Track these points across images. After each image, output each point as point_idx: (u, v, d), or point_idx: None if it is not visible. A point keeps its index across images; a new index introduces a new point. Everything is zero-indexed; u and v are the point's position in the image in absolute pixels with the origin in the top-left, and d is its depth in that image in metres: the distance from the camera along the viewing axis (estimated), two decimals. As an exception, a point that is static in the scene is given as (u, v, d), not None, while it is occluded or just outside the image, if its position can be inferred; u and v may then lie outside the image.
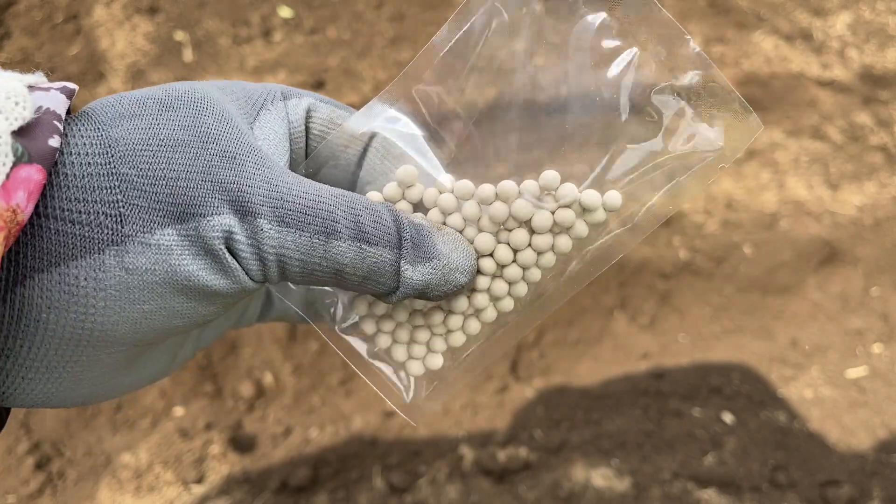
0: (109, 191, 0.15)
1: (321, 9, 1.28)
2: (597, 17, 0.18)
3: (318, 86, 1.12)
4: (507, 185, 0.19)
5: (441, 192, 0.20)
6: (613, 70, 0.18)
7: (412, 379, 0.21)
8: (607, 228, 0.19)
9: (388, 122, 0.20)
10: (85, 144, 0.16)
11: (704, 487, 0.76)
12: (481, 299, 0.20)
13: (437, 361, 0.21)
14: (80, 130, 0.16)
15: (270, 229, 0.16)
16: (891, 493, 0.77)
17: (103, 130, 0.16)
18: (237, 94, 0.19)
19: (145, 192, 0.16)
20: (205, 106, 0.17)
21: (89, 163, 0.16)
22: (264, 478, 0.69)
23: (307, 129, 0.20)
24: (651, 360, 0.89)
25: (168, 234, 0.16)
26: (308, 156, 0.20)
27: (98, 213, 0.15)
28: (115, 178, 0.16)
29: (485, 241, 0.19)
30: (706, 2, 1.41)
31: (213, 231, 0.16)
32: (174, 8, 1.23)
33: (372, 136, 0.20)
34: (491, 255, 0.20)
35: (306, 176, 0.20)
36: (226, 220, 0.16)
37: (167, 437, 0.72)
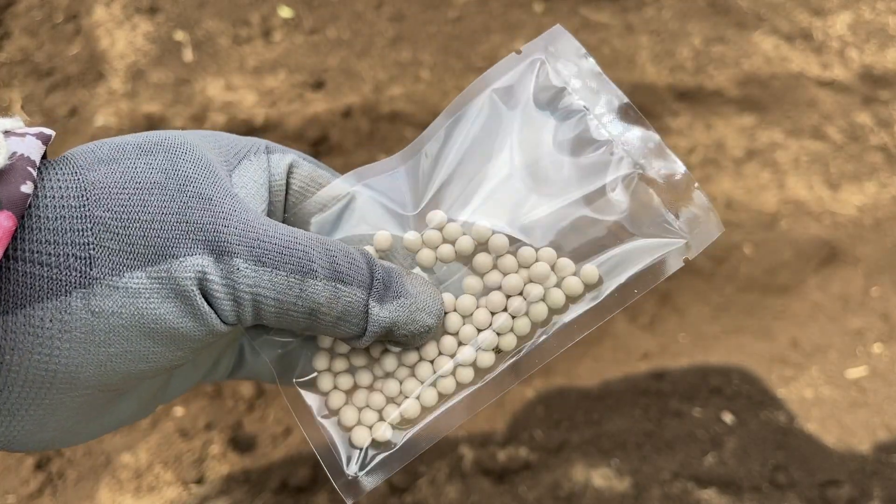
0: (81, 233, 0.16)
1: (321, 9, 1.28)
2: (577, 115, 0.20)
3: (318, 86, 1.12)
4: (498, 238, 0.20)
5: (416, 248, 0.21)
6: (592, 161, 0.20)
7: (359, 451, 0.21)
8: (578, 303, 0.20)
9: (367, 188, 0.21)
10: (60, 188, 0.16)
11: (704, 487, 0.76)
12: (445, 362, 0.20)
13: (385, 432, 0.20)
14: (56, 174, 0.16)
15: (247, 268, 0.16)
16: (891, 493, 0.77)
17: (80, 174, 0.16)
18: (220, 144, 0.19)
19: (117, 234, 0.16)
20: (183, 151, 0.18)
21: (63, 206, 0.16)
22: (264, 478, 0.69)
23: (288, 184, 0.21)
24: (651, 361, 0.89)
25: (137, 277, 0.16)
26: (286, 209, 0.21)
27: (68, 255, 0.15)
28: (88, 220, 0.16)
29: (467, 301, 0.20)
30: (706, 2, 1.41)
31: (185, 272, 0.16)
32: (174, 8, 1.23)
33: (351, 199, 0.21)
34: (465, 315, 0.20)
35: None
36: (199, 260, 0.16)
37: (167, 437, 0.73)
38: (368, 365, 0.21)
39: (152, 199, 0.16)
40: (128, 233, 0.16)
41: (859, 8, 1.38)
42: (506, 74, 0.21)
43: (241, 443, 0.74)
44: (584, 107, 0.20)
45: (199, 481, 0.70)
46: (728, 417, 0.81)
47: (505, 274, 0.20)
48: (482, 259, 0.20)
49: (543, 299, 0.20)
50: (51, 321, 0.15)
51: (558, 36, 0.21)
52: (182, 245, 0.16)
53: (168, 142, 0.18)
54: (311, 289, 0.17)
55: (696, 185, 0.19)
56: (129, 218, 0.16)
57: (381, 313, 0.18)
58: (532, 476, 0.74)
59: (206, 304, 0.17)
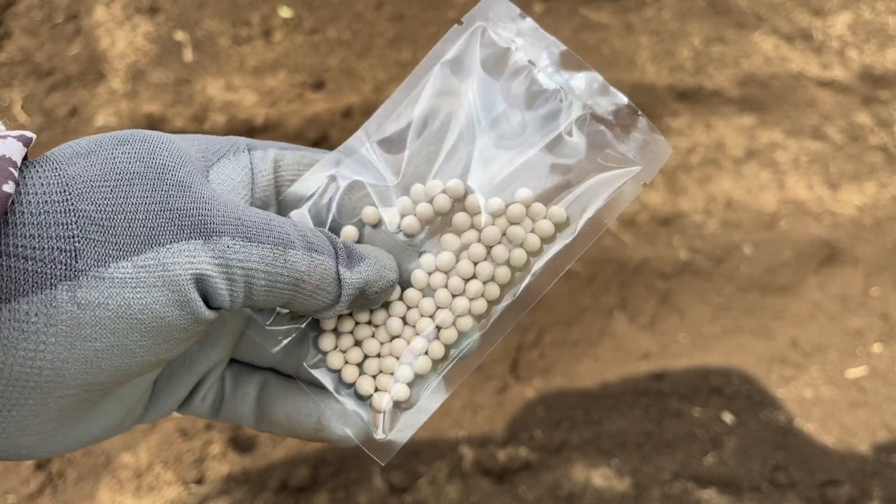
0: (66, 227, 0.16)
1: (321, 9, 1.28)
2: (525, 67, 0.22)
3: (318, 86, 1.12)
4: (473, 197, 0.21)
5: (402, 215, 0.22)
6: (544, 108, 0.22)
7: (381, 414, 0.22)
8: (553, 242, 0.21)
9: (348, 168, 0.23)
10: (42, 184, 0.16)
11: (704, 487, 0.76)
12: (444, 315, 0.21)
13: (403, 392, 0.21)
14: (37, 172, 0.16)
15: (235, 245, 0.17)
16: (891, 493, 0.77)
17: (60, 169, 0.16)
18: (199, 142, 0.20)
19: (102, 226, 0.16)
20: (160, 142, 0.18)
21: (45, 201, 0.16)
22: (264, 478, 0.70)
23: (278, 179, 0.21)
24: (651, 361, 0.89)
25: (123, 267, 0.16)
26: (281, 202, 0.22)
27: (52, 248, 0.15)
28: (71, 213, 0.16)
29: (446, 257, 0.22)
30: (706, 2, 1.41)
31: (173, 258, 0.16)
32: (174, 8, 1.23)
33: (332, 182, 0.22)
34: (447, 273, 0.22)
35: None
36: (187, 245, 0.17)
37: (167, 437, 0.73)
38: (373, 335, 0.22)
39: (133, 188, 0.17)
40: (112, 224, 0.16)
41: (859, 8, 1.38)
42: (453, 46, 0.22)
43: (241, 443, 0.74)
44: (530, 62, 0.22)
45: (200, 481, 0.70)
46: (728, 417, 0.81)
47: (480, 230, 0.21)
48: (460, 218, 0.21)
49: (521, 245, 0.21)
50: (36, 315, 0.15)
51: (495, 2, 0.22)
52: (167, 232, 0.16)
53: (144, 133, 0.18)
54: (292, 258, 0.18)
55: (640, 113, 0.21)
56: (112, 209, 0.16)
57: (353, 276, 0.20)
58: (532, 476, 0.74)
59: (193, 290, 0.17)
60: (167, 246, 0.16)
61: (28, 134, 0.17)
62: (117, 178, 0.17)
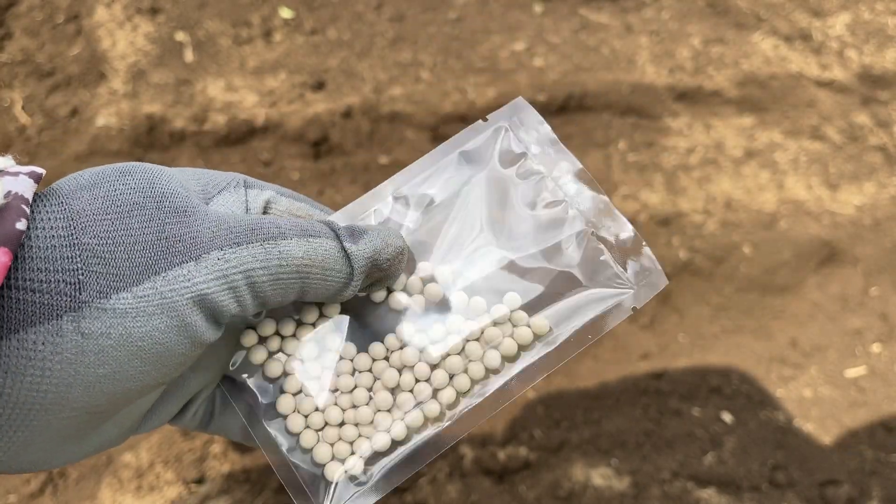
0: (70, 260, 0.16)
1: (321, 9, 1.29)
2: (536, 177, 0.23)
3: (318, 86, 1.12)
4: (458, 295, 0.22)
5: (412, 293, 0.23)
6: (552, 222, 0.23)
7: (331, 485, 0.21)
8: (531, 350, 0.22)
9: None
10: (49, 219, 0.17)
11: (704, 487, 0.76)
12: (405, 397, 0.22)
13: (357, 466, 0.21)
14: (45, 207, 0.17)
15: (226, 254, 0.18)
16: (890, 493, 0.77)
17: (66, 203, 0.17)
18: (198, 176, 0.21)
19: (103, 258, 0.17)
20: (160, 172, 0.19)
21: (52, 236, 0.17)
22: (265, 477, 0.70)
23: (266, 208, 0.22)
24: (651, 360, 0.90)
25: (123, 298, 0.17)
26: None
27: (59, 281, 0.16)
28: (76, 248, 0.17)
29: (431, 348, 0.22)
30: (705, 2, 1.41)
31: (169, 284, 0.17)
32: (175, 8, 1.23)
33: None
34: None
35: None
36: (182, 271, 0.17)
37: (168, 436, 0.73)
38: (337, 402, 0.22)
39: (132, 220, 0.17)
40: (113, 256, 0.17)
41: (858, 8, 1.38)
42: (473, 139, 0.23)
43: (241, 442, 0.74)
44: (543, 170, 0.23)
45: (200, 481, 0.70)
46: (727, 417, 0.81)
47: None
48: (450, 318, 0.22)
49: (497, 347, 0.22)
50: (43, 344, 0.16)
51: (521, 107, 0.23)
52: (163, 260, 0.17)
53: (145, 166, 0.19)
54: (286, 248, 0.18)
55: (644, 243, 0.22)
56: (113, 242, 0.17)
57: (361, 248, 0.20)
58: (532, 475, 0.74)
59: (195, 314, 0.18)
60: (163, 274, 0.17)
61: (38, 170, 0.17)
62: (118, 211, 0.17)
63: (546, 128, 0.23)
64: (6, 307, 0.16)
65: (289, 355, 0.22)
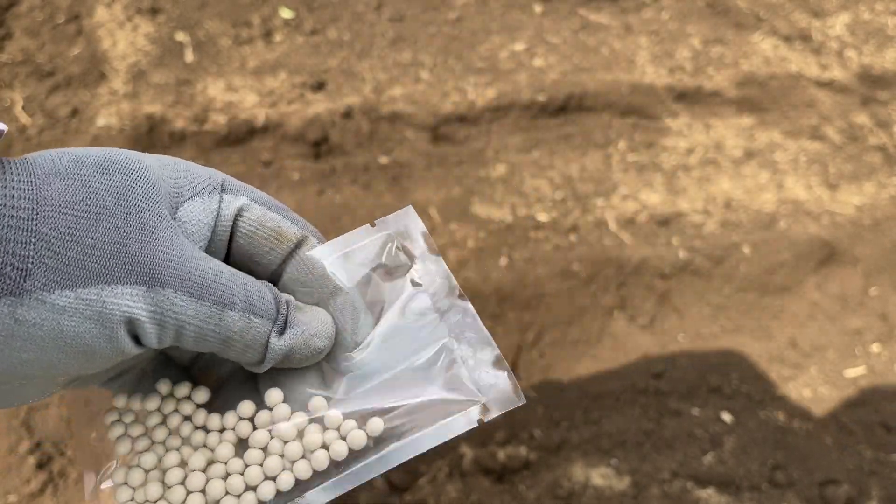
0: (23, 245, 0.16)
1: (322, 10, 1.29)
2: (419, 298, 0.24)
3: (318, 86, 1.12)
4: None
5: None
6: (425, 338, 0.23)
7: None
8: (366, 453, 0.21)
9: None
10: (13, 197, 0.16)
11: (703, 487, 0.76)
12: (234, 481, 0.21)
13: None
14: (12, 180, 0.17)
15: (176, 298, 0.18)
16: (889, 493, 0.77)
17: (35, 186, 0.17)
18: (178, 174, 0.20)
19: (57, 253, 0.17)
20: (139, 175, 0.19)
21: (12, 216, 0.16)
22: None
23: (235, 228, 0.22)
24: (650, 360, 0.90)
25: (66, 296, 0.17)
26: (231, 248, 0.22)
27: (6, 263, 0.16)
28: (32, 234, 0.16)
29: (253, 454, 0.21)
30: (705, 2, 1.41)
31: (114, 298, 0.17)
32: (175, 9, 1.23)
33: (300, 243, 0.23)
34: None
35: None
36: (129, 290, 0.18)
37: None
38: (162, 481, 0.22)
39: (98, 224, 0.17)
40: (68, 254, 0.17)
41: (858, 9, 1.38)
42: (358, 243, 0.23)
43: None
44: (419, 282, 0.23)
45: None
46: (727, 417, 0.81)
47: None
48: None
49: (326, 448, 0.21)
50: None
51: (407, 216, 0.24)
52: (116, 274, 0.17)
53: (128, 162, 0.19)
54: (228, 319, 0.19)
55: (505, 364, 0.22)
56: (71, 240, 0.17)
57: (279, 343, 0.20)
58: (532, 475, 0.74)
59: (123, 330, 0.18)
60: (112, 286, 0.17)
61: (1, 126, 0.17)
62: (86, 210, 0.17)
63: (430, 240, 0.24)
64: None
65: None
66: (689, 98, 1.22)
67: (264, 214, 0.22)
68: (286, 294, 0.22)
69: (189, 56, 1.15)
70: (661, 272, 0.95)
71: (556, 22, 1.33)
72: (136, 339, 0.19)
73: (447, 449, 0.73)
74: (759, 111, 1.23)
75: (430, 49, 1.25)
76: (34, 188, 0.17)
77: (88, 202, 0.17)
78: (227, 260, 0.22)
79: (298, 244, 0.22)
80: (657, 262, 0.95)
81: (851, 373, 0.88)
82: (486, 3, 1.36)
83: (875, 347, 0.92)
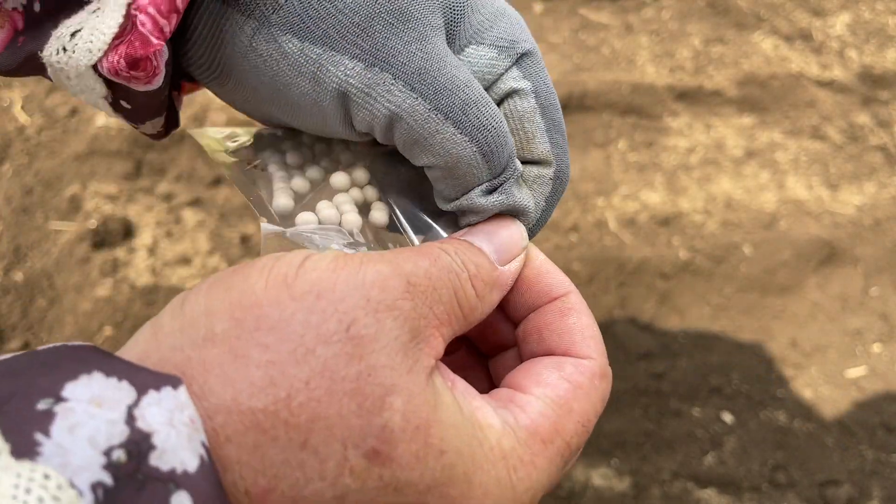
0: None
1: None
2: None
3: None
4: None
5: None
6: None
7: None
8: None
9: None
10: None
11: (704, 487, 0.76)
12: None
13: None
14: None
15: (394, 86, 0.18)
16: (890, 493, 0.77)
17: None
18: (495, 16, 0.20)
19: (308, 4, 0.18)
20: None
21: None
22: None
23: (501, 102, 0.21)
24: (651, 360, 0.90)
25: (293, 44, 0.18)
26: None
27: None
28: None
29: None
30: (706, 2, 1.41)
31: (331, 65, 0.18)
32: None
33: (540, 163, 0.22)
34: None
35: None
36: (349, 62, 0.18)
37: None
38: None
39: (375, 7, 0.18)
40: (316, 7, 0.17)
41: (859, 8, 1.38)
42: None
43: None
44: None
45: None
46: (728, 417, 0.81)
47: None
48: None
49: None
50: (242, 29, 0.18)
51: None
52: (343, 44, 0.17)
53: None
54: (446, 135, 0.18)
55: None
56: None
57: (480, 200, 0.20)
58: (532, 476, 0.74)
59: (336, 101, 0.18)
60: (334, 53, 0.17)
61: None
62: None
63: None
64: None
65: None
66: (690, 97, 1.22)
67: (531, 115, 0.20)
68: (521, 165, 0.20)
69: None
70: (661, 272, 0.95)
71: (557, 21, 1.33)
72: (350, 120, 0.19)
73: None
74: (759, 111, 1.23)
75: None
76: None
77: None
78: None
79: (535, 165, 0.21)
80: (658, 261, 0.94)
81: (852, 373, 0.88)
82: (486, 2, 1.36)
83: (876, 347, 0.92)
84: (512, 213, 0.20)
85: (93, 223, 0.87)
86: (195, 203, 0.93)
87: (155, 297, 0.79)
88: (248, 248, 0.89)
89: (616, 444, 0.76)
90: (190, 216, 0.91)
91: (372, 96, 0.18)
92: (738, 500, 0.75)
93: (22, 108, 1.07)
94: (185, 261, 0.85)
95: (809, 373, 0.88)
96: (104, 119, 1.01)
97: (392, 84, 0.17)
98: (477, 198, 0.19)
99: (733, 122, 1.22)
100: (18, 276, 0.85)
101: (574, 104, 1.18)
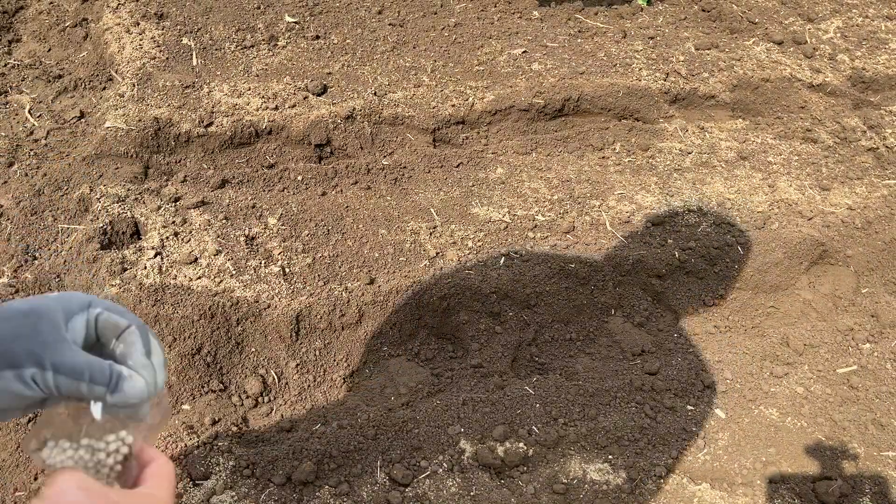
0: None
1: (324, 15, 1.31)
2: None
3: (321, 90, 1.14)
4: None
5: None
6: None
7: None
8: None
9: None
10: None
11: (698, 482, 0.77)
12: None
13: None
14: None
15: (51, 376, 0.33)
16: (882, 489, 0.78)
17: None
18: (62, 302, 0.35)
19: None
20: (47, 308, 0.34)
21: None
22: (269, 472, 0.71)
23: (97, 329, 0.36)
24: (646, 358, 0.91)
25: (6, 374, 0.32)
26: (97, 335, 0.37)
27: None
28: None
29: None
30: (699, 7, 1.43)
31: (26, 370, 0.32)
32: (181, 14, 1.25)
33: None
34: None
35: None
36: (32, 370, 0.32)
37: (174, 432, 0.74)
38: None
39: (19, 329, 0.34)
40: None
41: (850, 13, 1.40)
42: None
43: (246, 438, 0.76)
44: None
45: (206, 476, 0.71)
46: (721, 413, 0.83)
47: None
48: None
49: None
50: None
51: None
52: (23, 361, 0.33)
53: (34, 303, 0.35)
54: (85, 388, 0.33)
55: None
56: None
57: (111, 398, 0.34)
58: (530, 470, 0.75)
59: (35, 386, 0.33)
60: (24, 368, 0.32)
61: None
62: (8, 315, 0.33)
63: None
64: None
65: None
66: (684, 101, 1.24)
67: (109, 317, 0.36)
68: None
69: (195, 60, 1.16)
70: (656, 272, 0.96)
71: (554, 27, 1.35)
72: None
73: (447, 444, 0.75)
74: (752, 114, 1.25)
75: (431, 53, 1.27)
76: None
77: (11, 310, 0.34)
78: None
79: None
80: (652, 262, 0.96)
81: (844, 370, 0.89)
82: (485, 8, 1.38)
83: (867, 346, 0.93)
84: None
85: (101, 224, 0.89)
86: (202, 204, 0.94)
87: (162, 297, 0.80)
88: (253, 248, 0.91)
89: (612, 439, 0.77)
90: (196, 217, 0.92)
91: (46, 383, 0.33)
92: (732, 495, 0.76)
93: (31, 111, 1.09)
94: (191, 261, 0.86)
95: (801, 370, 0.89)
96: (112, 121, 1.02)
97: (51, 376, 0.33)
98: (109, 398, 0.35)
99: (727, 125, 1.24)
100: (28, 275, 0.87)
101: (570, 108, 1.20)
